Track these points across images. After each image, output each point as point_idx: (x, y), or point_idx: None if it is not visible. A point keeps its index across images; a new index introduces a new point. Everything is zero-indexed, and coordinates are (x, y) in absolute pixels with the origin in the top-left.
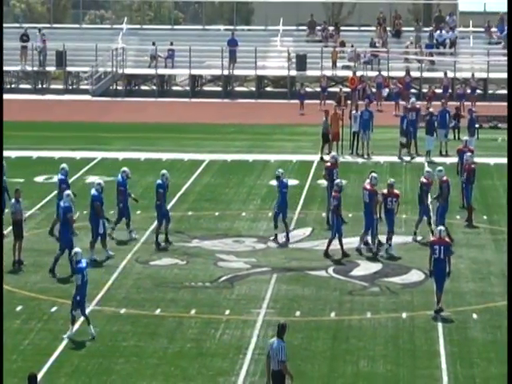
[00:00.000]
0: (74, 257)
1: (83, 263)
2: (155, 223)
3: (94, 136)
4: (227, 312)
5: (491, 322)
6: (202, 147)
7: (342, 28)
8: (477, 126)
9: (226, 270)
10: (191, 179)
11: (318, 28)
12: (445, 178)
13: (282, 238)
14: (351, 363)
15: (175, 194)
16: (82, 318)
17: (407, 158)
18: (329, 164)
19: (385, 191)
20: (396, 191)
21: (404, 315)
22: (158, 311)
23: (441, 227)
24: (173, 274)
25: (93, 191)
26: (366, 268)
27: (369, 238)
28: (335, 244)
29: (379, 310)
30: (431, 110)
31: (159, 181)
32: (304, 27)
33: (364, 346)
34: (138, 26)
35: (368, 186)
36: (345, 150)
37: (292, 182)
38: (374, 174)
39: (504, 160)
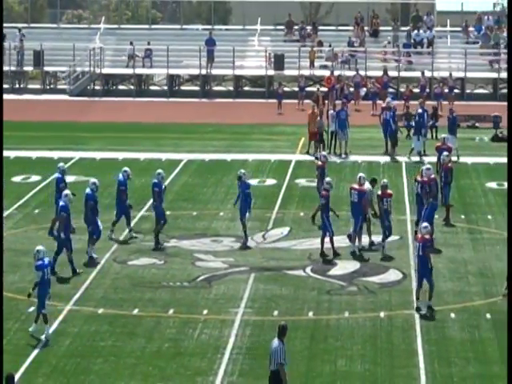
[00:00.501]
0: (36, 254)
1: (45, 261)
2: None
3: (71, 136)
4: (205, 312)
5: (469, 322)
6: (179, 147)
7: (320, 27)
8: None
9: (203, 270)
10: (169, 179)
11: (296, 27)
12: (433, 176)
13: (260, 237)
14: (329, 363)
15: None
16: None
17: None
18: (320, 163)
19: (379, 192)
20: (389, 191)
21: (382, 314)
22: (135, 311)
23: (424, 224)
24: (151, 274)
25: (87, 190)
26: (343, 267)
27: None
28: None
29: (357, 309)
30: (420, 110)
31: (155, 180)
32: (282, 27)
33: (342, 346)
34: (115, 26)
35: (356, 186)
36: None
37: (270, 181)
38: (361, 174)
39: (482, 159)
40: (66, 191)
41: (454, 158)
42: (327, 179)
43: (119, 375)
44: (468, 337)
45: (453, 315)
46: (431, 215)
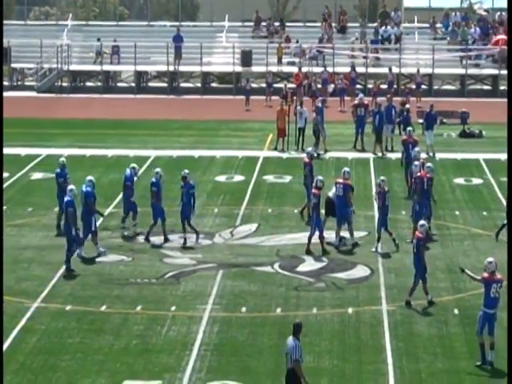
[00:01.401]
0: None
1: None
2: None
3: (38, 132)
4: (173, 308)
5: (437, 317)
6: (147, 143)
7: (288, 24)
8: (421, 121)
9: (171, 267)
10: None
11: (264, 24)
12: (419, 174)
13: (228, 233)
14: None
15: (120, 191)
16: None
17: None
18: (307, 160)
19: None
20: (386, 188)
21: (350, 310)
22: (103, 308)
23: (421, 222)
24: (118, 271)
25: (84, 188)
26: (311, 264)
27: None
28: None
29: (325, 305)
30: (407, 106)
31: (153, 179)
32: (249, 23)
33: (310, 342)
34: (83, 23)
35: (341, 180)
36: (291, 145)
37: (238, 177)
38: (346, 169)
39: (449, 155)
40: (71, 186)
41: (424, 155)
42: (319, 177)
43: (87, 372)
44: (436, 332)
45: (420, 310)
46: (419, 211)
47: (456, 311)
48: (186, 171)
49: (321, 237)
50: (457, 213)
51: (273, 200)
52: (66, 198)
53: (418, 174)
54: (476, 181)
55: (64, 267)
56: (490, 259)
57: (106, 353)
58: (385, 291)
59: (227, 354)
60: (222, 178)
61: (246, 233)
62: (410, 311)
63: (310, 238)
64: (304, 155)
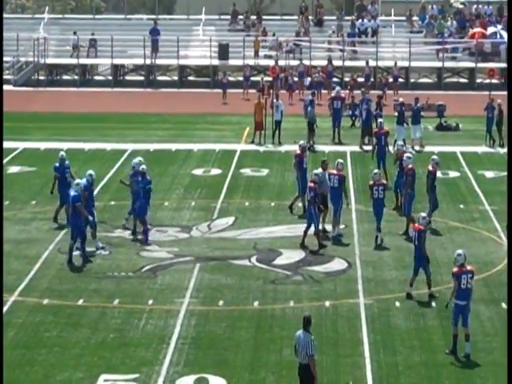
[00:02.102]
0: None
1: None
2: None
3: (15, 126)
4: (150, 302)
5: (414, 310)
6: (124, 137)
7: (264, 17)
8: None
9: (148, 260)
10: (114, 169)
11: (241, 17)
12: (410, 166)
13: (205, 226)
14: (274, 352)
15: (97, 184)
16: None
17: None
18: (299, 152)
19: (371, 182)
20: (383, 181)
21: (327, 304)
22: (80, 301)
23: (423, 214)
24: (96, 264)
25: (83, 181)
26: (288, 257)
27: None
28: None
29: (302, 298)
30: (401, 99)
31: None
32: (226, 16)
33: (287, 335)
34: (59, 16)
35: (335, 171)
36: (268, 139)
37: (215, 171)
38: (340, 160)
39: (426, 148)
40: (78, 180)
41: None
42: (315, 171)
43: (64, 366)
44: (413, 325)
45: (398, 304)
46: (410, 204)
47: (433, 304)
48: (144, 167)
49: (317, 231)
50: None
51: (250, 193)
52: (73, 193)
53: (410, 166)
54: (453, 174)
55: (66, 259)
56: (459, 251)
57: (83, 347)
58: (362, 284)
59: (204, 348)
60: (199, 172)
61: (223, 226)
62: (387, 304)
63: (305, 232)
64: (280, 148)
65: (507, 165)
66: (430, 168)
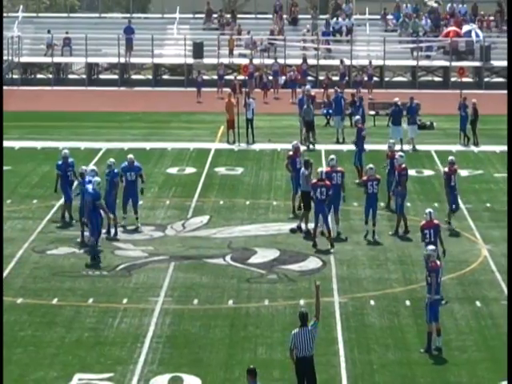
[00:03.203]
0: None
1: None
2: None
3: None
4: (125, 300)
5: (388, 308)
6: (98, 135)
7: (239, 16)
8: (373, 112)
9: (123, 259)
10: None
11: (215, 16)
12: (404, 166)
13: (180, 225)
14: (249, 350)
15: (72, 183)
16: None
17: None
18: (291, 153)
19: (365, 178)
20: (378, 176)
21: (302, 302)
22: (55, 300)
23: (429, 209)
24: (70, 263)
25: (98, 179)
26: (263, 255)
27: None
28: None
29: (277, 297)
30: (396, 99)
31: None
32: (201, 15)
33: (262, 334)
34: (33, 14)
35: (329, 169)
36: (242, 137)
37: (189, 169)
38: (332, 156)
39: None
40: (97, 178)
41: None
42: (319, 169)
43: (39, 365)
44: (387, 324)
45: (372, 302)
46: (402, 203)
47: (408, 303)
48: (84, 167)
49: (328, 230)
50: (408, 204)
51: (224, 192)
52: (92, 191)
53: (403, 165)
54: (427, 172)
55: (90, 256)
56: (432, 247)
57: (57, 346)
58: (337, 283)
59: (179, 346)
60: (173, 170)
61: (197, 225)
62: (361, 303)
63: (315, 231)
64: (254, 147)
65: (507, 165)
66: (446, 169)
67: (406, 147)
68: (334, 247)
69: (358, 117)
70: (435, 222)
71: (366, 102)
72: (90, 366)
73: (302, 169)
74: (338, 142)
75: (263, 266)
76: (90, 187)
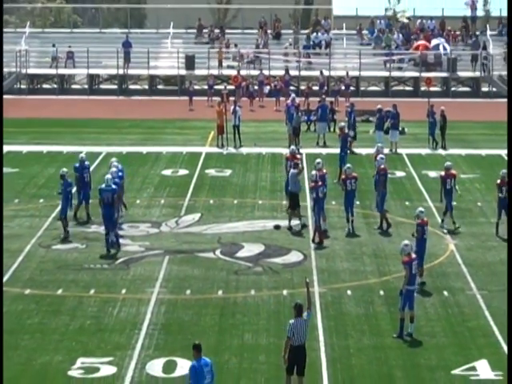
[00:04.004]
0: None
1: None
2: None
3: None
4: (123, 291)
5: (364, 298)
6: (99, 140)
7: (227, 31)
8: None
9: (122, 253)
10: (90, 170)
11: (205, 31)
12: (383, 167)
13: (173, 222)
14: (237, 336)
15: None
16: None
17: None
18: (289, 155)
19: (343, 176)
20: (354, 174)
21: (285, 292)
22: (60, 291)
23: (421, 209)
24: (73, 257)
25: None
26: (249, 250)
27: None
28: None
29: (262, 287)
30: (379, 106)
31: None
32: (192, 30)
33: (248, 321)
34: (39, 30)
35: (319, 172)
36: (230, 142)
37: (182, 171)
38: (318, 160)
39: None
40: (108, 175)
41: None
42: (313, 172)
43: (45, 350)
44: (363, 312)
45: (349, 292)
46: (382, 202)
47: (381, 292)
48: (65, 170)
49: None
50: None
51: (214, 192)
52: (114, 187)
53: (382, 166)
54: (399, 173)
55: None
56: (406, 242)
57: (62, 332)
58: (317, 275)
59: (173, 333)
60: (167, 172)
61: (189, 222)
62: (339, 293)
63: (315, 230)
64: (242, 150)
65: (507, 165)
66: (442, 173)
67: (387, 150)
68: (322, 243)
69: (342, 123)
70: (420, 221)
71: (343, 109)
72: (92, 350)
73: (291, 170)
74: (323, 146)
75: (250, 259)
76: (103, 185)
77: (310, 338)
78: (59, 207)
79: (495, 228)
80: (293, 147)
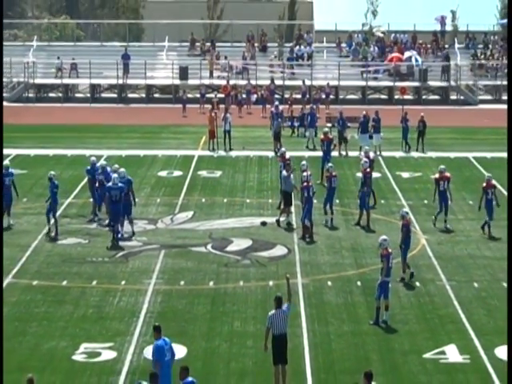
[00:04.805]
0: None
1: None
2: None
3: (9, 136)
4: (123, 282)
5: (343, 288)
6: (100, 144)
7: (218, 44)
8: (329, 125)
9: (121, 248)
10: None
11: (198, 44)
12: (368, 170)
13: (169, 219)
14: (227, 323)
15: (78, 184)
16: None
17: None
18: (278, 158)
19: (327, 174)
20: (334, 173)
21: (271, 283)
22: (64, 282)
23: (405, 210)
24: (77, 251)
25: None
26: (238, 244)
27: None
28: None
29: (250, 279)
30: (365, 112)
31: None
32: (186, 43)
33: (238, 309)
34: (46, 43)
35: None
36: (221, 146)
37: (177, 173)
38: (303, 162)
39: (352, 153)
40: (115, 175)
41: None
42: (304, 174)
43: (51, 336)
44: (342, 301)
45: (330, 283)
46: (365, 200)
47: (359, 283)
48: (53, 173)
49: (311, 224)
50: (359, 201)
51: (206, 191)
52: (121, 185)
53: (368, 169)
54: (375, 175)
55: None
56: (384, 237)
57: (67, 320)
58: (300, 267)
59: (168, 320)
60: (163, 173)
61: (183, 219)
62: (320, 283)
63: (311, 226)
64: (231, 153)
65: (507, 165)
66: (437, 176)
67: (378, 152)
68: (311, 237)
69: (326, 129)
70: (405, 221)
71: (323, 115)
72: (94, 337)
73: (283, 171)
74: (307, 148)
75: (238, 253)
76: (111, 183)
77: (293, 324)
78: (48, 208)
79: (487, 228)
80: (283, 149)
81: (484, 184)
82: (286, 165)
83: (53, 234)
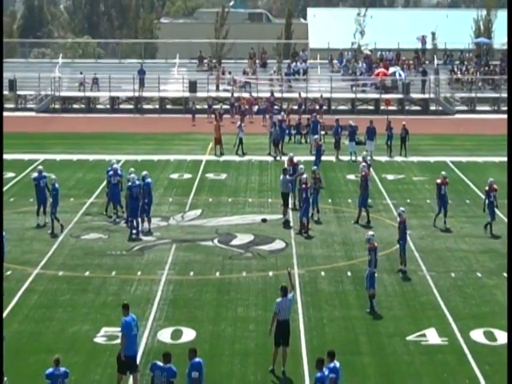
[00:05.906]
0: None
1: None
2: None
3: (38, 143)
4: (139, 273)
5: (335, 278)
6: (119, 150)
7: (223, 61)
8: (323, 132)
9: (138, 242)
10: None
11: (205, 61)
12: (364, 173)
13: (179, 217)
14: (231, 309)
15: (99, 186)
16: None
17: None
18: (287, 162)
19: (318, 177)
20: (318, 176)
21: (270, 274)
22: (87, 273)
23: (402, 208)
24: (98, 245)
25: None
26: (241, 239)
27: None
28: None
29: (252, 270)
30: (351, 122)
31: (149, 179)
32: (195, 60)
33: (241, 297)
34: (70, 60)
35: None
36: (231, 152)
37: (187, 175)
38: (301, 166)
39: (343, 157)
40: (133, 175)
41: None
42: (303, 176)
43: (75, 321)
44: (334, 289)
45: (323, 273)
46: (364, 202)
47: (349, 273)
48: (54, 177)
49: (307, 221)
50: (349, 200)
51: (213, 192)
52: (138, 182)
53: (363, 173)
54: None
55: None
56: (371, 232)
57: (89, 307)
58: (296, 259)
59: (179, 307)
60: (175, 176)
61: (193, 216)
62: (315, 274)
63: (308, 223)
64: (236, 157)
65: (507, 165)
66: (438, 181)
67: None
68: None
69: (316, 136)
70: (402, 219)
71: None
72: (113, 321)
73: (282, 176)
74: (311, 154)
75: (242, 246)
76: (130, 183)
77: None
78: (50, 208)
79: (490, 227)
80: (291, 154)
81: (487, 188)
82: (284, 169)
83: (49, 231)
